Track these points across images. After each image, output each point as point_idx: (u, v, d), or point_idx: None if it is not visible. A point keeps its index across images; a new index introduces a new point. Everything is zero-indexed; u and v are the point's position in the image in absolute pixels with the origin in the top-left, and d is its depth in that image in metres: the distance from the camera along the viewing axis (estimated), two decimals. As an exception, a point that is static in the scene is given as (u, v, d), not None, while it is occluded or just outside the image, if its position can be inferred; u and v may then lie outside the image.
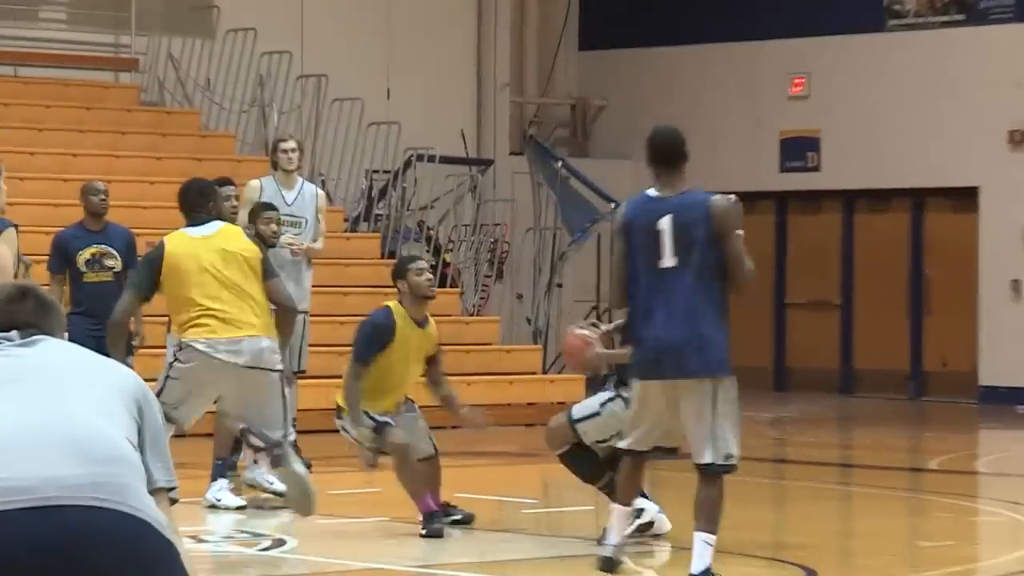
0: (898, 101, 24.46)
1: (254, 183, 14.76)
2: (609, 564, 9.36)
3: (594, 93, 26.89)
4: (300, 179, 14.96)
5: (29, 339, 4.59)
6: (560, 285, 24.92)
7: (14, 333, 4.59)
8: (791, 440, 20.12)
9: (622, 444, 9.52)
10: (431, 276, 11.47)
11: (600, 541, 9.77)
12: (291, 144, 14.87)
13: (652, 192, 9.13)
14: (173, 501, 4.56)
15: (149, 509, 4.32)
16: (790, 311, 25.55)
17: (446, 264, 23.32)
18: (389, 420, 11.40)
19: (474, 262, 24.81)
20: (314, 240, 14.90)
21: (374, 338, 11.42)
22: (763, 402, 23.32)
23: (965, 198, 23.83)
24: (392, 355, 11.44)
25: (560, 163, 24.30)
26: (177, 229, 11.94)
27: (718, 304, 9.11)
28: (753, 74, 25.46)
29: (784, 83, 25.39)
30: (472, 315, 22.67)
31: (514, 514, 13.10)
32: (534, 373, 21.12)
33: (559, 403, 20.48)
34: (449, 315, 21.50)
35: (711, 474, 9.26)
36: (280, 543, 11.56)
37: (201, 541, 11.15)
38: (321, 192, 15.44)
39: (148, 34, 23.64)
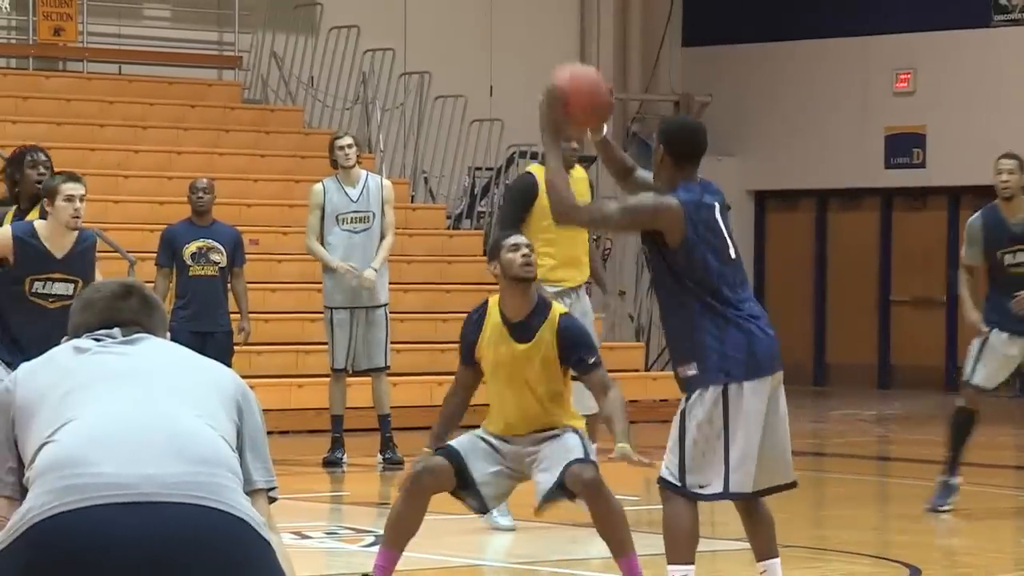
0: (1004, 96, 24.34)
1: (317, 187, 14.85)
2: None
3: (698, 89, 26.83)
4: (363, 173, 14.99)
5: (132, 337, 4.62)
6: (663, 283, 24.84)
7: (117, 331, 4.62)
8: (895, 438, 20.04)
9: None
10: (528, 254, 9.20)
11: None
12: (347, 140, 14.97)
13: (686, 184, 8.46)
14: (272, 500, 4.60)
15: (245, 508, 4.35)
16: (895, 308, 25.44)
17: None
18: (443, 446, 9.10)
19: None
20: (383, 234, 14.95)
21: (461, 337, 9.39)
22: (868, 399, 23.27)
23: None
24: (483, 361, 9.17)
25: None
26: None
27: None
28: (858, 70, 25.36)
29: (889, 79, 25.29)
30: (575, 312, 22.66)
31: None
32: (636, 370, 21.13)
33: (661, 400, 20.57)
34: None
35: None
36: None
37: (304, 537, 11.20)
38: (387, 183, 15.42)
39: (251, 31, 23.75)
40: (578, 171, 12.35)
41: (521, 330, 8.85)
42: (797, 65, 25.76)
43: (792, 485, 8.33)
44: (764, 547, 8.41)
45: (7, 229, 10.41)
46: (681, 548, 8.14)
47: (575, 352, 8.82)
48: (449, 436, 8.89)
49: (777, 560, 8.41)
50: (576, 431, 8.94)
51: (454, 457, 8.75)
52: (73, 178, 10.46)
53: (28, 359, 4.73)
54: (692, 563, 8.13)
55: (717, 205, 8.27)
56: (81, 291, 4.84)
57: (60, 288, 10.44)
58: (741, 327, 8.02)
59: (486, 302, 9.03)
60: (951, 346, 24.69)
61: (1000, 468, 16.59)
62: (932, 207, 25.55)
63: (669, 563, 8.15)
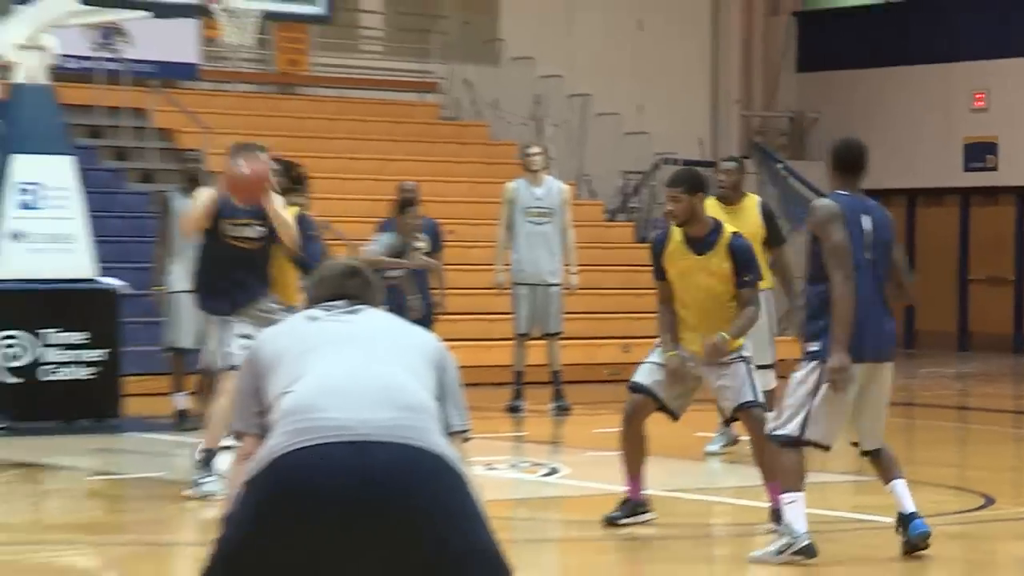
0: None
1: (509, 185, 14.91)
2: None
3: (809, 108, 26.64)
4: (548, 178, 15.01)
5: (354, 308, 4.67)
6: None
7: (342, 302, 4.68)
8: (972, 391, 19.82)
9: None
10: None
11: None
12: (536, 149, 15.09)
13: (844, 193, 8.34)
14: (466, 440, 4.63)
15: (442, 446, 4.38)
16: (971, 285, 25.20)
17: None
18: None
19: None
20: (564, 229, 14.96)
21: (651, 258, 9.08)
22: (948, 360, 23.03)
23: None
24: (668, 273, 8.98)
25: (780, 165, 24.20)
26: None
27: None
28: (941, 91, 25.13)
29: (968, 98, 25.04)
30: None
31: (747, 451, 12.99)
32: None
33: (780, 360, 20.43)
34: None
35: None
36: (555, 471, 11.63)
37: (492, 469, 11.23)
38: (565, 187, 15.46)
39: (447, 63, 23.84)
40: (750, 198, 11.82)
41: (700, 244, 8.86)
42: (891, 87, 25.54)
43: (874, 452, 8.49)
44: (886, 474, 8.54)
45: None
46: (793, 479, 8.23)
47: (739, 266, 8.87)
48: (673, 340, 8.90)
49: (900, 480, 8.50)
50: (745, 361, 8.98)
51: (646, 391, 8.90)
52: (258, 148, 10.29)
53: None
54: (802, 491, 8.22)
55: (868, 217, 8.28)
56: (317, 270, 4.89)
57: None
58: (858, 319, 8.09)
59: (667, 228, 9.02)
60: (1019, 316, 24.45)
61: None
62: (1002, 203, 25.27)
63: (783, 491, 8.26)
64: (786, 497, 8.24)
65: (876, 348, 8.22)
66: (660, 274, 8.99)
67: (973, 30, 25.10)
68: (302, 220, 10.63)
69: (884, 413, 8.49)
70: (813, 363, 8.13)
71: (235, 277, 10.11)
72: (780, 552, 8.17)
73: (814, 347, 8.15)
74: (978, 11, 25.79)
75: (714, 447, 12.13)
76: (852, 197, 8.31)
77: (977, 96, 24.97)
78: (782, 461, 8.29)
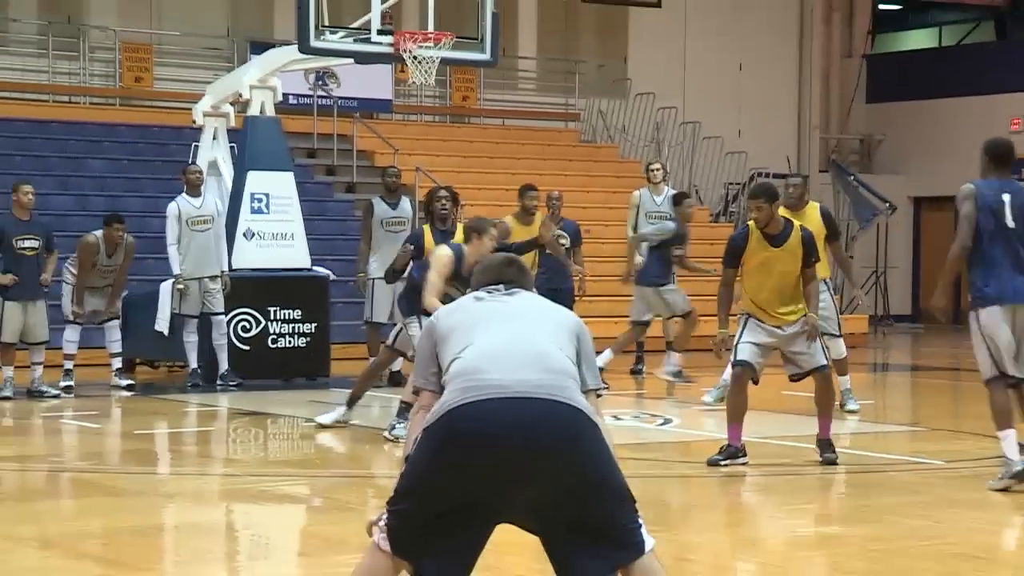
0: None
1: (635, 193, 14.74)
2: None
3: (876, 131, 26.24)
4: (666, 188, 14.85)
5: (511, 291, 4.67)
6: (851, 257, 24.37)
7: (501, 286, 4.67)
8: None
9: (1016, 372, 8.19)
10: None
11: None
12: (657, 165, 14.93)
13: (990, 179, 8.35)
14: (599, 396, 4.61)
15: (581, 401, 4.36)
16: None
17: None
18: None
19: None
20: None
21: (730, 249, 9.08)
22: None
23: None
24: (748, 263, 9.02)
25: (852, 177, 23.83)
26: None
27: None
28: (985, 117, 24.59)
29: (1007, 122, 24.50)
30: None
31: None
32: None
33: (850, 333, 20.11)
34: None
35: None
36: (669, 420, 11.57)
37: (618, 419, 11.20)
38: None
39: (585, 97, 23.79)
40: (811, 206, 11.57)
41: (777, 239, 8.89)
42: (943, 114, 25.08)
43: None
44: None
45: (447, 250, 9.55)
46: (1003, 418, 8.17)
47: (807, 251, 8.92)
48: (726, 316, 9.08)
49: None
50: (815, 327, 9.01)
51: (747, 365, 8.95)
52: (492, 225, 9.67)
53: None
54: (1012, 428, 8.17)
55: (1008, 196, 8.23)
56: (483, 261, 4.89)
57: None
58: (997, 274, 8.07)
59: (747, 226, 9.05)
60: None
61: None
62: (1034, 207, 24.73)
63: (997, 430, 8.21)
64: (1000, 434, 8.15)
65: (1016, 293, 8.10)
66: (733, 263, 9.02)
67: (1009, 68, 24.59)
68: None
69: None
70: (971, 313, 8.17)
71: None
72: (1001, 479, 8.14)
73: (970, 300, 8.21)
74: (1013, 52, 25.29)
75: (710, 399, 12.10)
76: (994, 181, 8.30)
77: (1015, 121, 24.44)
78: (991, 403, 8.18)
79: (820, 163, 25.75)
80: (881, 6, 27.35)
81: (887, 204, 23.24)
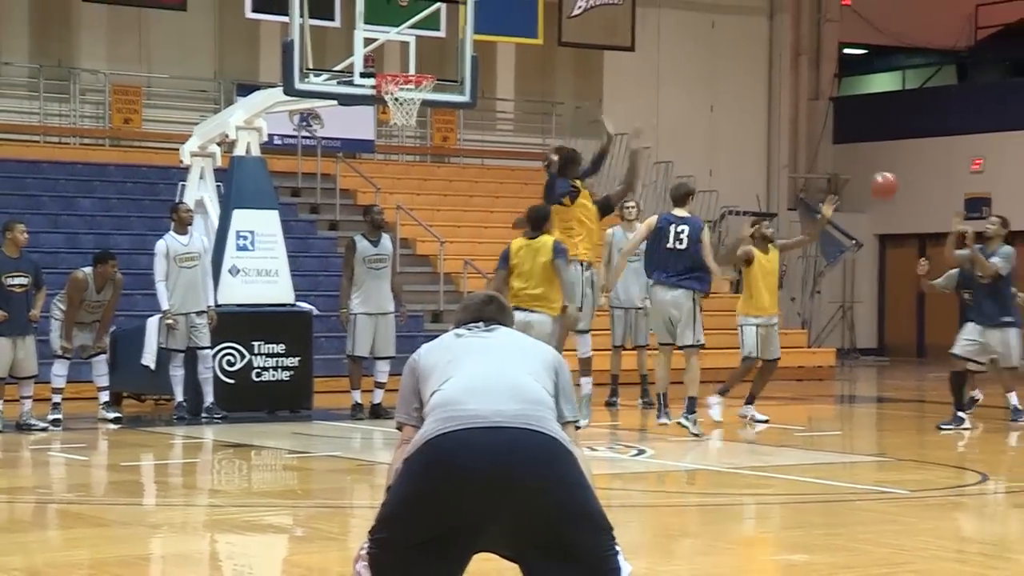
0: (1043, 173, 23.66)
1: (609, 231, 14.76)
2: None
3: (842, 171, 26.36)
4: (638, 224, 14.89)
5: (491, 327, 4.67)
6: (819, 292, 24.52)
7: (481, 323, 4.69)
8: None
9: None
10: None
11: None
12: (632, 204, 15.04)
13: None
14: (577, 427, 4.61)
15: (558, 431, 4.36)
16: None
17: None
18: None
19: (765, 278, 24.53)
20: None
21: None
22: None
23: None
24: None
25: (819, 215, 23.90)
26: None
27: None
28: (946, 157, 24.78)
29: (968, 163, 24.68)
30: (764, 311, 22.38)
31: (789, 436, 12.88)
32: (801, 347, 20.76)
33: (818, 366, 20.20)
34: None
35: None
36: (642, 451, 11.56)
37: (593, 450, 11.18)
38: None
39: (562, 137, 23.81)
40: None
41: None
42: (907, 154, 25.21)
43: None
44: None
45: None
46: None
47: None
48: None
49: None
50: None
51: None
52: None
53: None
54: None
55: None
56: (463, 300, 4.91)
57: None
58: None
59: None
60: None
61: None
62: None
63: None
64: None
65: None
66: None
67: (970, 110, 24.76)
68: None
69: None
70: None
71: None
72: None
73: None
74: (974, 95, 25.47)
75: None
76: None
77: (975, 161, 24.61)
78: None
79: (789, 202, 25.85)
80: (847, 50, 27.53)
81: (853, 241, 23.37)
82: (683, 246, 11.95)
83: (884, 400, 13.19)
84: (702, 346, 12.07)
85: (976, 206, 24.64)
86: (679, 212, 12.21)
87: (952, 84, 27.38)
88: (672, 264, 11.99)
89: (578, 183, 12.20)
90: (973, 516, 8.76)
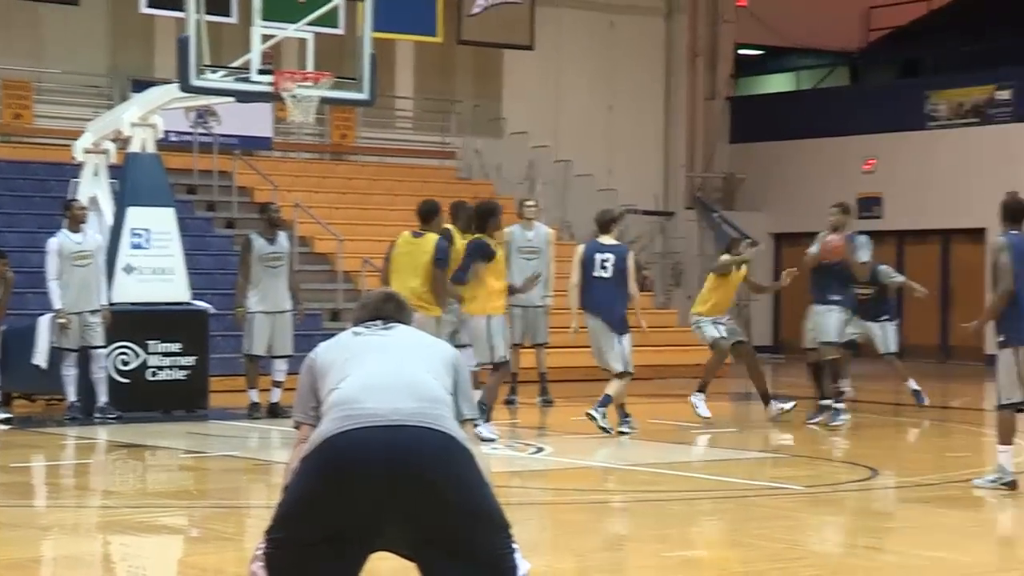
0: (935, 174, 24.05)
1: (507, 229, 14.75)
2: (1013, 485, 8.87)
3: (738, 170, 26.66)
4: (537, 223, 14.97)
5: (388, 326, 4.66)
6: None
7: (379, 322, 4.67)
8: (863, 388, 19.66)
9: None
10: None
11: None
12: (532, 202, 15.14)
13: (1014, 232, 8.97)
14: (475, 426, 4.60)
15: (455, 429, 4.36)
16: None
17: (645, 277, 23.23)
18: None
19: (662, 276, 24.73)
20: (548, 263, 14.91)
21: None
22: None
23: (976, 236, 23.19)
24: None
25: (716, 214, 24.19)
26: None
27: None
28: (840, 157, 25.15)
29: (860, 163, 25.07)
30: (661, 309, 22.57)
31: (686, 433, 13.00)
32: (697, 345, 20.93)
33: (696, 364, 20.38)
34: (646, 309, 21.38)
35: None
36: (541, 449, 11.59)
37: (493, 448, 11.19)
38: (550, 231, 15.36)
39: (461, 135, 23.85)
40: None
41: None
42: (802, 154, 25.56)
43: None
44: None
45: None
46: (1007, 435, 8.83)
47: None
48: None
49: None
50: None
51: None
52: None
53: None
54: (1011, 445, 8.86)
55: None
56: (360, 298, 4.88)
57: None
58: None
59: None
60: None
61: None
62: (886, 244, 25.20)
63: (999, 443, 8.88)
64: (1000, 448, 8.82)
65: None
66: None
67: (863, 111, 25.15)
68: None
69: None
70: (1008, 348, 8.71)
71: None
72: (993, 482, 8.82)
73: (1000, 338, 8.79)
74: (866, 96, 25.88)
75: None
76: (1020, 235, 8.97)
77: (868, 162, 25.01)
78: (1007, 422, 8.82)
79: (686, 200, 26.09)
80: (742, 51, 27.84)
81: (749, 240, 23.60)
82: (608, 275, 12.00)
83: (779, 398, 13.34)
84: (630, 375, 12.02)
85: (868, 206, 25.08)
86: (604, 240, 12.24)
87: (845, 85, 27.80)
88: (598, 294, 12.02)
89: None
90: (863, 511, 8.91)
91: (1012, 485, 8.82)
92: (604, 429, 11.86)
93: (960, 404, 15.87)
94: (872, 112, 24.92)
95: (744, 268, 13.60)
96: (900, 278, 14.43)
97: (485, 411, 11.19)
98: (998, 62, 23.76)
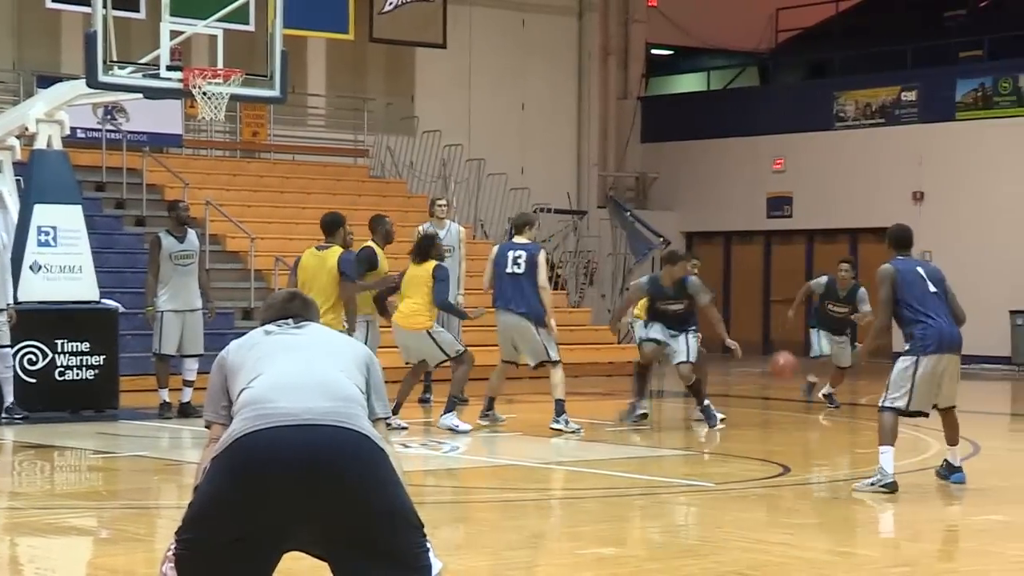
0: (844, 172, 24.33)
1: (419, 228, 14.75)
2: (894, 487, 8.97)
3: (650, 169, 26.83)
4: (449, 221, 14.98)
5: (299, 324, 4.63)
6: (627, 289, 24.79)
7: (291, 320, 4.64)
8: (772, 385, 19.87)
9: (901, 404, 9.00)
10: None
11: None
12: (444, 201, 15.12)
13: (901, 258, 9.26)
14: (388, 425, 4.59)
15: (369, 428, 4.34)
16: (773, 304, 25.35)
17: (558, 276, 23.30)
18: None
19: (575, 274, 24.80)
20: (460, 261, 14.90)
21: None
22: (755, 361, 23.12)
23: (883, 235, 23.49)
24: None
25: (628, 213, 24.29)
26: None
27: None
28: (750, 157, 25.37)
29: (770, 162, 25.29)
30: (574, 307, 22.65)
31: (600, 432, 13.06)
32: (611, 343, 21.03)
33: (628, 362, 20.45)
34: (559, 307, 21.47)
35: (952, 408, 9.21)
36: (456, 447, 11.58)
37: (406, 447, 11.17)
38: (463, 229, 15.40)
39: (374, 134, 23.78)
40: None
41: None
42: (712, 154, 25.77)
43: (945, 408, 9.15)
44: (949, 438, 9.33)
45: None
46: (887, 436, 8.94)
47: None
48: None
49: (954, 447, 9.31)
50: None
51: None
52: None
53: None
54: (892, 446, 8.96)
55: (920, 268, 9.21)
56: (267, 298, 4.86)
57: None
58: (938, 327, 8.94)
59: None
60: (806, 328, 24.44)
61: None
62: (796, 242, 25.51)
63: (880, 444, 8.98)
64: (882, 449, 8.92)
65: (951, 345, 8.97)
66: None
67: (772, 111, 25.40)
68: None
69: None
70: (911, 357, 8.91)
71: None
72: (873, 485, 8.89)
73: (906, 345, 9.01)
74: (775, 96, 26.15)
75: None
76: (907, 260, 9.28)
77: (777, 161, 25.24)
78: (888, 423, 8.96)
79: (598, 199, 26.20)
80: (654, 51, 28.01)
81: (661, 239, 23.78)
82: (520, 271, 12.35)
83: (691, 395, 13.45)
84: (558, 361, 12.37)
85: (778, 205, 25.34)
86: (518, 239, 12.60)
87: (755, 85, 28.08)
88: (511, 289, 12.33)
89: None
90: (774, 507, 8.99)
91: (892, 487, 8.84)
92: (573, 432, 12.15)
93: (867, 401, 16.04)
94: (781, 112, 25.18)
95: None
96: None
97: (455, 404, 11.98)
98: (904, 64, 24.12)
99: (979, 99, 22.92)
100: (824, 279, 15.32)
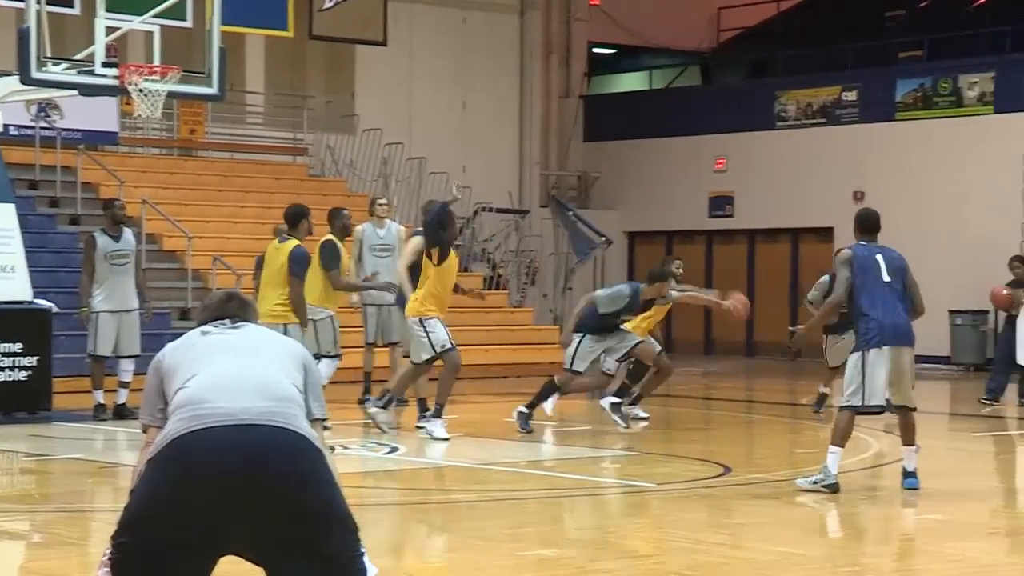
0: (785, 172, 24.47)
1: (359, 227, 14.66)
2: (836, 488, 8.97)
3: (592, 168, 26.89)
4: (389, 221, 14.94)
5: (236, 324, 4.61)
6: (570, 288, 24.90)
7: (227, 321, 4.61)
8: (715, 385, 20.02)
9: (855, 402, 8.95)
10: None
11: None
12: (384, 201, 15.12)
13: (863, 243, 9.20)
14: (325, 427, 4.58)
15: (306, 429, 4.32)
16: (715, 305, 25.46)
17: (500, 275, 23.34)
18: None
19: (517, 274, 24.82)
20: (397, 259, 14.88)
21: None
22: (697, 361, 23.25)
23: (824, 235, 23.73)
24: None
25: (571, 212, 24.36)
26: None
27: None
28: (692, 156, 25.47)
29: (712, 162, 25.41)
30: (515, 307, 22.66)
31: (541, 432, 13.05)
32: (553, 344, 21.05)
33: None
34: (500, 307, 21.49)
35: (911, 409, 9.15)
36: (395, 449, 11.55)
37: (345, 448, 11.13)
38: (403, 228, 15.30)
39: (314, 132, 23.68)
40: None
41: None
42: (655, 154, 25.84)
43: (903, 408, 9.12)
44: (905, 439, 9.22)
45: None
46: (839, 436, 8.97)
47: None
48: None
49: (911, 448, 9.19)
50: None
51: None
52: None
53: None
54: (842, 447, 8.99)
55: (880, 256, 9.11)
56: (205, 298, 4.84)
57: None
58: (879, 319, 8.87)
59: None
60: (749, 327, 24.63)
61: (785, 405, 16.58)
62: (737, 242, 25.65)
63: (831, 443, 9.00)
64: (831, 448, 8.93)
65: (895, 337, 8.91)
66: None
67: (714, 110, 25.53)
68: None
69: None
70: (857, 352, 8.90)
71: None
72: (815, 483, 8.91)
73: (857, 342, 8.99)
74: (717, 96, 26.29)
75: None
76: (869, 246, 9.17)
77: (719, 161, 25.36)
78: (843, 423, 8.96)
79: (541, 198, 26.24)
80: (596, 50, 28.08)
81: (603, 238, 23.86)
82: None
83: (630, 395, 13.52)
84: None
85: (720, 205, 25.47)
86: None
87: (696, 85, 28.22)
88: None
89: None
90: (715, 507, 9.03)
91: (834, 488, 8.86)
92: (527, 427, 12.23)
93: (808, 401, 16.16)
94: (723, 112, 25.32)
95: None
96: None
97: (439, 410, 11.69)
98: (845, 64, 24.32)
99: (919, 99, 23.15)
100: (826, 279, 14.36)
